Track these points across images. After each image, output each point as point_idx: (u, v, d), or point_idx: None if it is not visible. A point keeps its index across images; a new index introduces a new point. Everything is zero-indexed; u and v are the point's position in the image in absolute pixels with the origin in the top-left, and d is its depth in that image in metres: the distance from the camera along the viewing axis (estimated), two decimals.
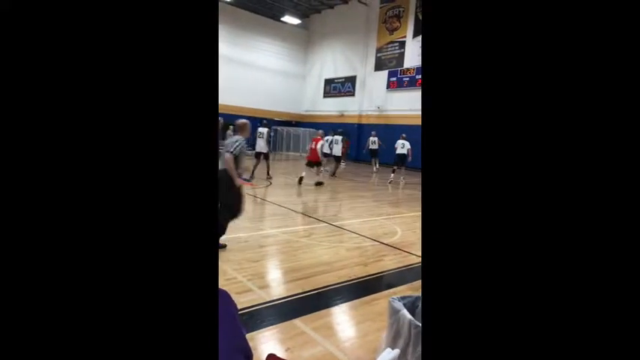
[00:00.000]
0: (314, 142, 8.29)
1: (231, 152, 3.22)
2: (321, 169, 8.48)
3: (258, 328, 2.08)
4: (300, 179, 7.97)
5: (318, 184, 7.92)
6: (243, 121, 3.50)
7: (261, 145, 8.24)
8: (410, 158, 10.07)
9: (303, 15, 19.13)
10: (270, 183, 7.94)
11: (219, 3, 16.90)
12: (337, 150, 10.47)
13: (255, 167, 8.13)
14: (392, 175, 9.82)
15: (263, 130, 8.45)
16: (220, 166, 3.15)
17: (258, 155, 8.28)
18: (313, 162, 8.25)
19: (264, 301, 2.44)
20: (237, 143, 3.27)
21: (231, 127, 8.93)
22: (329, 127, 17.88)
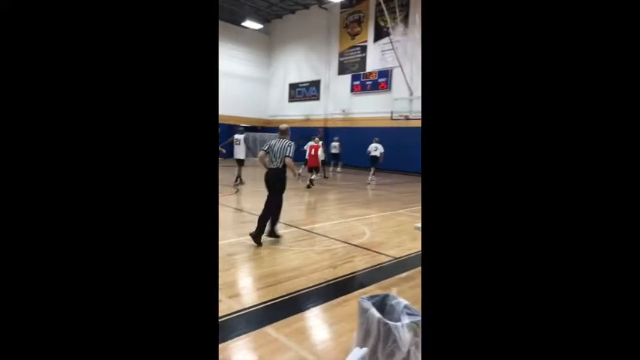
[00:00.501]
0: (312, 149, 9.03)
1: (289, 155, 3.80)
2: (319, 174, 9.21)
3: (229, 339, 2.04)
4: (311, 182, 8.73)
5: (309, 186, 8.58)
6: (286, 126, 4.11)
7: (239, 152, 8.50)
8: (381, 160, 10.34)
9: (264, 20, 19.06)
10: (238, 190, 7.82)
11: None
12: (321, 154, 10.97)
13: (240, 174, 8.43)
14: (370, 177, 10.22)
15: (240, 136, 8.62)
16: (274, 166, 3.83)
17: (239, 162, 8.53)
18: (313, 167, 8.97)
19: (234, 310, 2.40)
20: (291, 147, 3.83)
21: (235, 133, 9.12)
22: (295, 132, 17.91)
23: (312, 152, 9.18)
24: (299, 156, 9.19)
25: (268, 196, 3.92)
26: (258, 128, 20.28)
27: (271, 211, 3.89)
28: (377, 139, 10.57)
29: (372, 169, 10.38)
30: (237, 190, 7.76)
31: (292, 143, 3.88)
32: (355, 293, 2.74)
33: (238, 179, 8.41)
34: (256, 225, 3.82)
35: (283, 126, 4.06)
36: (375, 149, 10.34)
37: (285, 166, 3.81)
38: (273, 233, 4.00)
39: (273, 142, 3.91)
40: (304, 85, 18.88)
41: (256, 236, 3.76)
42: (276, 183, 3.86)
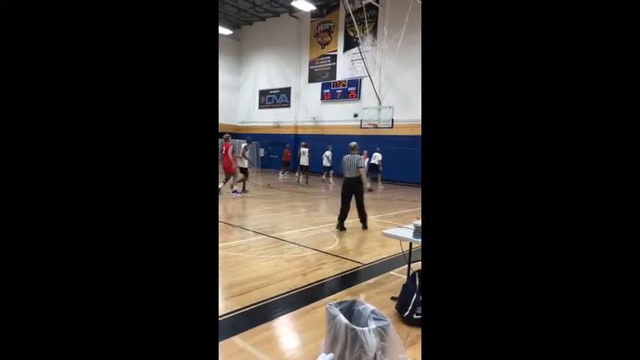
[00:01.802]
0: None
1: (364, 167, 5.17)
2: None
3: None
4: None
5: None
6: (354, 143, 5.33)
7: (244, 161, 8.51)
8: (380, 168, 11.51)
9: (234, 26, 18.92)
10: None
11: None
12: (305, 160, 11.74)
13: (245, 181, 8.58)
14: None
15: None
16: (350, 176, 5.13)
17: (243, 170, 8.53)
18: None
19: None
20: (362, 160, 5.20)
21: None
22: (266, 139, 17.76)
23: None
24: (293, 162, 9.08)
25: (346, 199, 5.21)
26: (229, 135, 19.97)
27: (362, 207, 5.27)
28: (378, 148, 11.66)
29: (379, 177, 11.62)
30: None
31: (361, 157, 5.20)
32: (324, 300, 2.75)
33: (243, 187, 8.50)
34: (360, 219, 5.34)
35: (353, 143, 5.32)
36: (374, 158, 11.37)
37: (359, 175, 5.08)
38: (364, 226, 5.34)
39: (345, 157, 5.15)
40: (275, 92, 18.86)
41: (364, 222, 5.35)
42: (358, 187, 5.15)
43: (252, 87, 20.08)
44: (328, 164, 11.86)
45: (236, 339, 2.12)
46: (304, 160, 11.64)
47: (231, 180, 8.12)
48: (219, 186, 8.10)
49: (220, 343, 2.07)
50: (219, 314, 2.44)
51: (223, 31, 17.68)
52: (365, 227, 5.33)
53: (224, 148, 7.93)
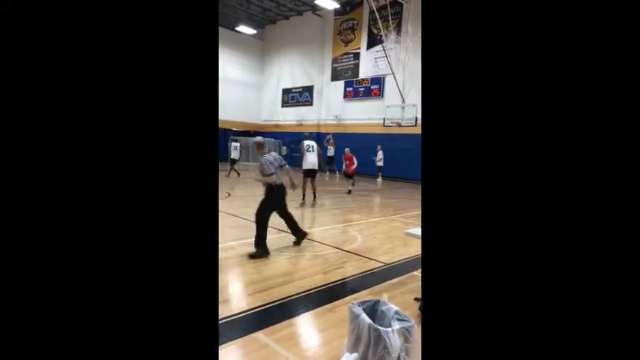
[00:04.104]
0: (347, 161, 9.23)
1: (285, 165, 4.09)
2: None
3: (220, 344, 2.02)
4: (349, 191, 8.92)
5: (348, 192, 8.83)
6: (261, 138, 4.34)
7: (311, 162, 6.93)
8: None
9: (258, 25, 19.12)
10: (229, 195, 7.75)
11: None
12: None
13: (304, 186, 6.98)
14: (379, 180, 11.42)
15: (310, 142, 7.03)
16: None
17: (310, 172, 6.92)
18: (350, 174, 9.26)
19: (224, 315, 2.38)
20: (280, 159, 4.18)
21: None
22: (288, 137, 17.89)
23: (348, 162, 9.49)
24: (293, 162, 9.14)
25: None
26: (251, 133, 20.27)
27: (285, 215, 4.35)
28: (379, 147, 11.82)
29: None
30: (228, 195, 7.72)
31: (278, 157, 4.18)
32: (346, 299, 2.74)
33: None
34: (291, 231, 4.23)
35: (259, 139, 4.37)
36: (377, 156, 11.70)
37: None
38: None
39: (269, 158, 3.94)
40: (297, 90, 18.94)
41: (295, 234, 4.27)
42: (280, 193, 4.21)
43: (275, 85, 20.26)
44: (381, 164, 12.19)
45: (259, 334, 2.14)
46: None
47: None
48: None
49: (243, 339, 2.10)
50: (242, 310, 2.47)
51: (247, 30, 17.91)
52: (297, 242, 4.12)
53: None
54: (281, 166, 3.94)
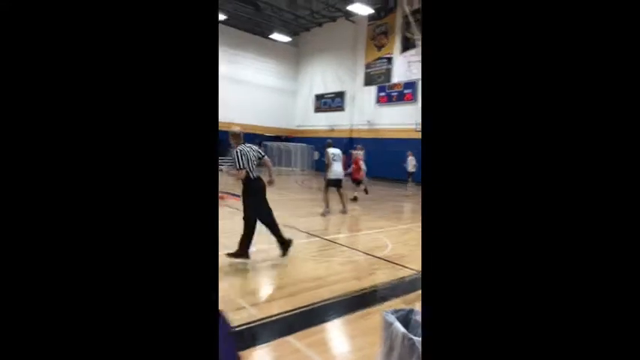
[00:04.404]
0: (355, 165, 8.40)
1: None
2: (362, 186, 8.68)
3: (251, 346, 2.05)
4: (355, 197, 8.21)
5: (354, 199, 8.14)
6: (238, 128, 3.76)
7: (337, 172, 6.57)
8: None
9: (292, 33, 19.46)
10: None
11: None
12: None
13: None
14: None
15: (335, 151, 6.65)
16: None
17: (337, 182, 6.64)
18: (357, 180, 8.48)
19: (257, 318, 2.41)
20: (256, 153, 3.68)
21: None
22: (320, 142, 17.99)
23: (356, 165, 8.49)
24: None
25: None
26: (283, 138, 20.60)
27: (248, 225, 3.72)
28: (409, 152, 11.37)
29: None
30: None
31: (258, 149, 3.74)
32: (377, 307, 2.70)
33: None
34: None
35: (235, 129, 3.83)
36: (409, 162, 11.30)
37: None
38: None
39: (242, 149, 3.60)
40: (330, 96, 19.04)
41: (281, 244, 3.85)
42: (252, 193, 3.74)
43: (308, 91, 20.50)
44: (413, 170, 11.72)
45: (290, 339, 2.15)
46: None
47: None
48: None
49: (275, 342, 2.12)
50: (273, 313, 2.50)
51: (282, 38, 18.28)
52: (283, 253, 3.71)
53: None
54: (259, 158, 3.53)
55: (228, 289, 2.88)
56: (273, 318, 2.44)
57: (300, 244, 4.41)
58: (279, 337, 2.17)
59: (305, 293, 2.87)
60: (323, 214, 6.37)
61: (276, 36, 18.07)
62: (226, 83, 18.65)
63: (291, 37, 19.10)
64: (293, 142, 19.94)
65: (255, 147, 3.60)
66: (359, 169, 8.26)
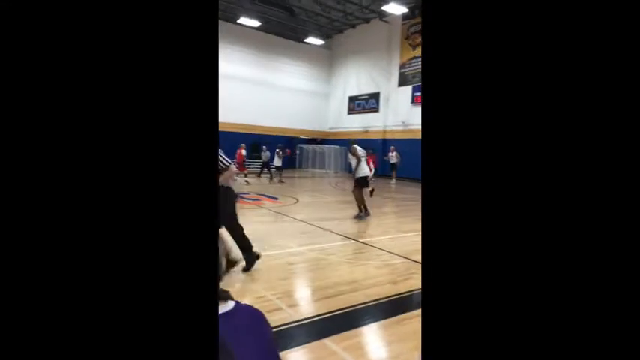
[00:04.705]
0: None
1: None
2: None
3: (288, 347, 2.08)
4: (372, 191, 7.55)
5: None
6: None
7: (366, 170, 6.29)
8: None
9: (326, 36, 19.58)
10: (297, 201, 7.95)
11: (246, 29, 17.65)
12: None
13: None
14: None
15: (362, 150, 6.41)
16: None
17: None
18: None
19: (294, 319, 2.44)
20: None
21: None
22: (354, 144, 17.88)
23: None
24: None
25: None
26: (318, 140, 20.72)
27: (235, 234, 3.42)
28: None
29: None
30: (297, 201, 7.94)
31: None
32: (415, 312, 2.64)
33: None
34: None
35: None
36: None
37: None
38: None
39: None
40: (364, 97, 18.93)
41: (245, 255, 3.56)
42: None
43: (341, 93, 20.51)
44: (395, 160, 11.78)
45: (327, 341, 2.16)
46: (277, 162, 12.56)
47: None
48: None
49: (311, 344, 2.13)
50: (309, 315, 2.52)
51: (315, 41, 18.45)
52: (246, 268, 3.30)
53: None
54: (226, 166, 3.12)
55: (263, 290, 2.94)
56: (310, 320, 2.46)
57: (335, 246, 4.41)
58: (316, 340, 2.18)
59: (341, 296, 2.86)
60: (360, 217, 6.20)
61: (309, 40, 18.26)
62: (262, 88, 19.09)
63: (324, 40, 19.22)
64: (327, 144, 20.01)
65: (220, 152, 3.00)
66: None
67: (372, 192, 7.31)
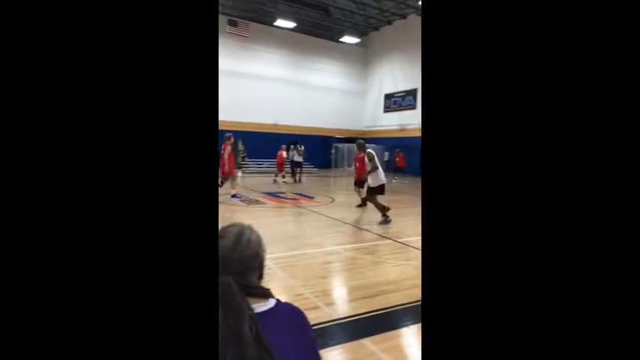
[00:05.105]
0: (357, 163, 6.77)
1: None
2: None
3: (327, 347, 2.07)
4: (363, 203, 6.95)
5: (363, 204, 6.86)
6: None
7: (383, 176, 5.78)
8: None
9: (361, 34, 19.42)
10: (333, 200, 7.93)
11: (282, 31, 17.92)
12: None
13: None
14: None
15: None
16: None
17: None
18: (360, 181, 6.87)
19: (332, 318, 2.43)
20: None
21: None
22: (390, 142, 17.63)
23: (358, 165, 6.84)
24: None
25: None
26: (354, 139, 20.63)
27: None
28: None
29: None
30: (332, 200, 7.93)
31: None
32: None
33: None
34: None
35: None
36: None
37: None
38: None
39: None
40: (400, 94, 18.57)
41: None
42: None
43: (377, 91, 20.26)
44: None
45: (366, 341, 2.13)
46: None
47: (228, 183, 7.23)
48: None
49: (350, 344, 2.11)
50: (347, 314, 2.50)
51: (351, 40, 18.36)
52: None
53: (223, 147, 7.00)
54: None
55: (301, 288, 2.96)
56: (348, 319, 2.43)
57: (372, 246, 4.36)
58: (354, 339, 2.15)
59: (380, 296, 2.81)
60: (386, 221, 5.54)
61: (345, 38, 18.21)
62: (298, 88, 19.31)
63: (359, 37, 19.08)
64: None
65: None
66: (363, 167, 6.18)
67: (363, 202, 6.46)
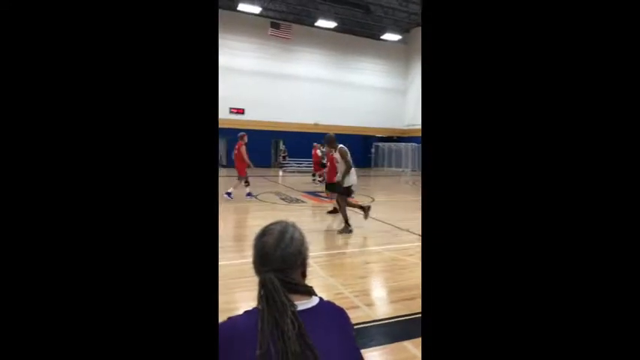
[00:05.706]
0: (330, 162, 6.11)
1: None
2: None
3: (367, 347, 2.06)
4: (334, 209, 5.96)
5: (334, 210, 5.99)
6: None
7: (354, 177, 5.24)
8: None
9: (403, 30, 19.03)
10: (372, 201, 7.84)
11: (322, 31, 18.02)
12: None
13: None
14: None
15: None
16: None
17: None
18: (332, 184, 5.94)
19: (372, 319, 2.41)
20: None
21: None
22: None
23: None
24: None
25: None
26: (394, 138, 20.26)
27: None
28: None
29: None
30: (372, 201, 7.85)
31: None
32: None
33: None
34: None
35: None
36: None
37: None
38: None
39: None
40: None
41: None
42: None
43: (418, 89, 19.72)
44: None
45: (407, 344, 2.09)
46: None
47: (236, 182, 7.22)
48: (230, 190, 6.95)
49: (391, 345, 2.09)
50: (388, 316, 2.46)
51: (391, 37, 18.05)
52: None
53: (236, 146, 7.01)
54: None
55: (341, 287, 2.96)
56: (389, 320, 2.41)
57: (413, 247, 4.26)
58: (395, 341, 2.12)
59: (419, 299, 2.75)
60: (346, 231, 4.80)
61: (386, 36, 17.94)
62: (338, 87, 19.32)
63: (401, 34, 18.71)
64: (403, 142, 19.47)
65: None
66: (334, 169, 5.53)
67: (335, 209, 5.50)
